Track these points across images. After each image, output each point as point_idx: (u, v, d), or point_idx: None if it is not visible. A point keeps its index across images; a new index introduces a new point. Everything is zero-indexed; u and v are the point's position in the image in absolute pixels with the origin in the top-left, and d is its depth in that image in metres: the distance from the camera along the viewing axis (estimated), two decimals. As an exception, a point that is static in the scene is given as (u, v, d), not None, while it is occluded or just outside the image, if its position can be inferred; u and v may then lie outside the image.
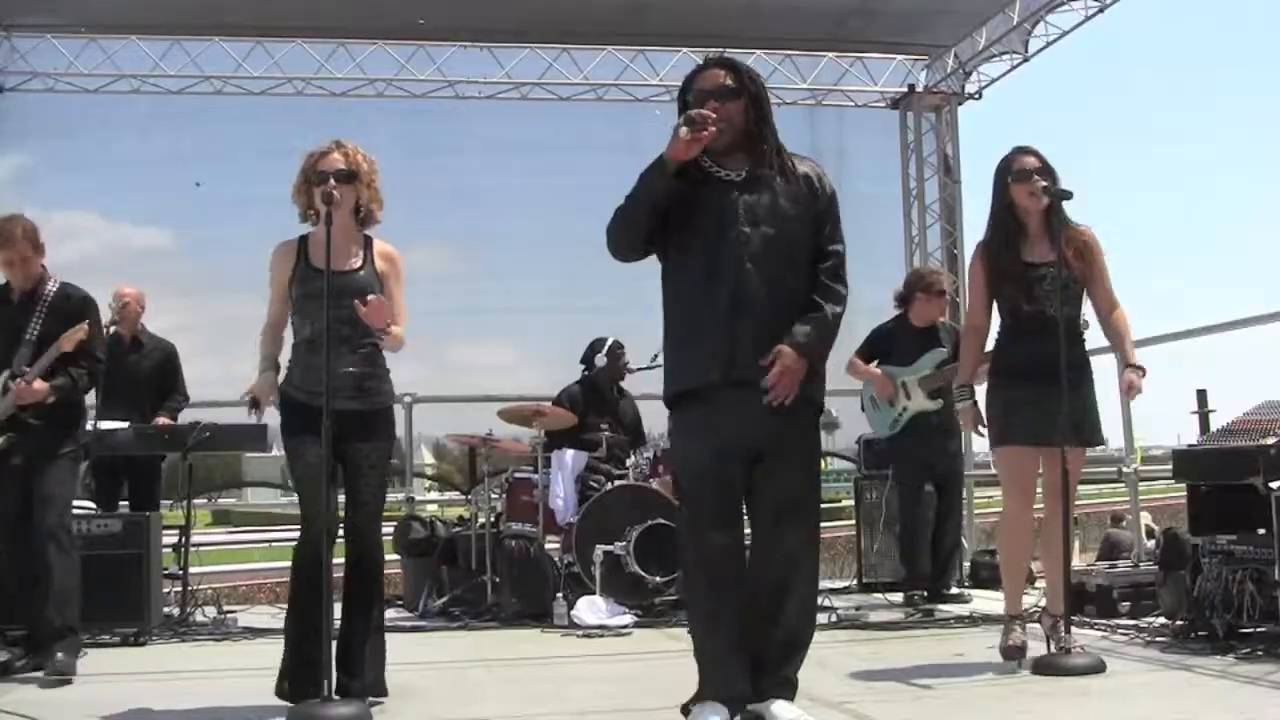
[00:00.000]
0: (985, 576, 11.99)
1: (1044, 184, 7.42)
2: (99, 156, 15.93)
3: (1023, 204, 7.53)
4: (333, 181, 6.46)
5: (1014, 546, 7.85)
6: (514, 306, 18.13)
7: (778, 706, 5.65)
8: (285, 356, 6.80)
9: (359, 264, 6.71)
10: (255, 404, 6.82)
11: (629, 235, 5.79)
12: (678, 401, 5.90)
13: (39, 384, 7.84)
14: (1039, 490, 7.68)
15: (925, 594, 10.84)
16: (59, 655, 7.64)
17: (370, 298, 6.45)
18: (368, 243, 6.81)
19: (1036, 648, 7.48)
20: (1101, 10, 13.72)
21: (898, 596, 11.09)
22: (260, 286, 6.95)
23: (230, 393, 12.35)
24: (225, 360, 16.26)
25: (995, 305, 7.76)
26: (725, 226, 5.68)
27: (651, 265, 5.97)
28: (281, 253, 6.78)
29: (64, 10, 14.42)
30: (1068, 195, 7.43)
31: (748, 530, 5.94)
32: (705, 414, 5.73)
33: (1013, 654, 7.48)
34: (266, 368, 6.78)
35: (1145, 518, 16.60)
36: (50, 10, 14.40)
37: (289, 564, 6.62)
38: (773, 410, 5.62)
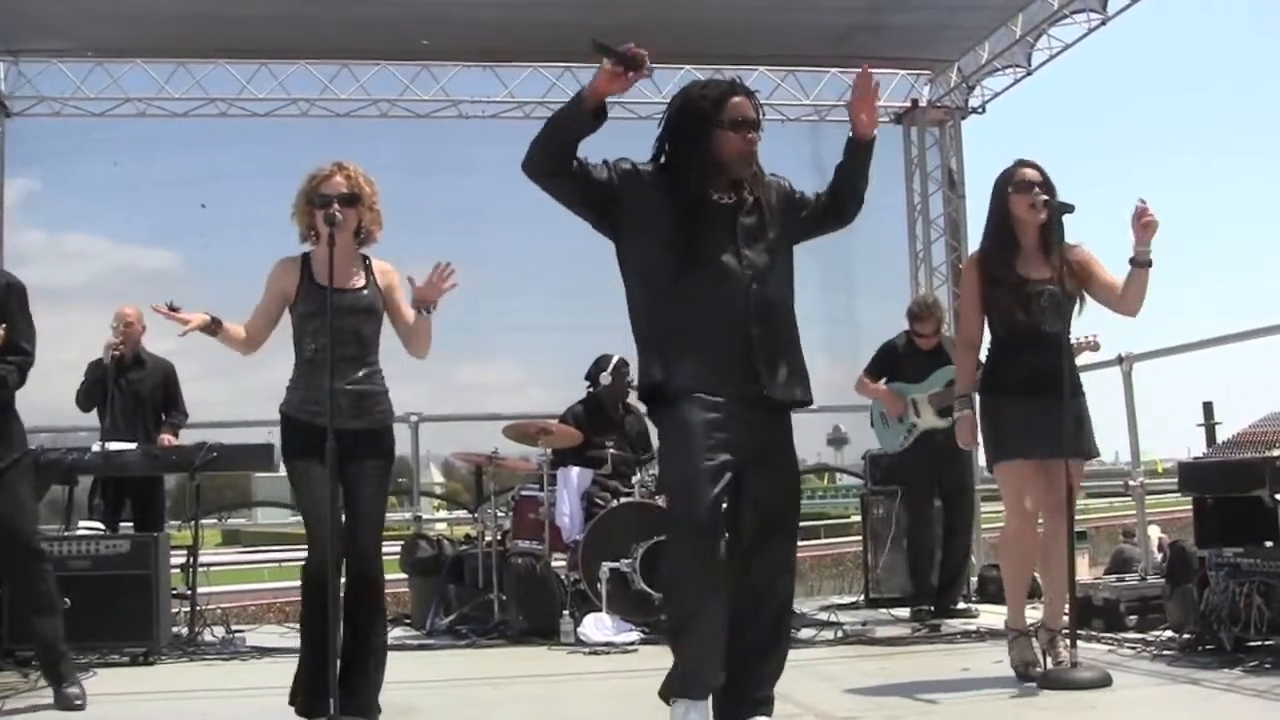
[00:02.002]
0: (993, 591, 11.96)
1: (1044, 197, 7.40)
2: (106, 180, 15.97)
3: (1021, 216, 7.51)
4: (336, 205, 6.49)
5: (1017, 561, 7.81)
6: (519, 325, 18.21)
7: None
8: (283, 376, 6.82)
9: (362, 283, 6.75)
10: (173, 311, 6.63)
11: (545, 162, 5.67)
12: (675, 400, 5.72)
13: None
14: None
15: (932, 609, 10.85)
16: (67, 689, 7.48)
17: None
18: (367, 262, 6.86)
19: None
20: (1104, 23, 13.69)
21: (905, 612, 11.12)
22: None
23: (236, 414, 12.49)
24: (231, 382, 16.33)
25: (986, 320, 7.75)
26: (727, 248, 5.71)
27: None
28: (284, 266, 6.80)
29: (70, 35, 14.44)
30: (1070, 209, 7.39)
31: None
32: (714, 421, 5.60)
33: (1028, 670, 7.47)
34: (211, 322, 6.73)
35: (1155, 531, 16.58)
36: (57, 35, 14.43)
37: (298, 583, 6.64)
38: (767, 422, 5.70)
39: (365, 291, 6.75)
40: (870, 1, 14.32)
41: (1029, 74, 15.23)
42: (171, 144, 15.72)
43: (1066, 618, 7.35)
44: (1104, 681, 7.09)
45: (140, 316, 11.34)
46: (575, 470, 11.18)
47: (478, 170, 16.34)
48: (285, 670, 6.66)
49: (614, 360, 11.78)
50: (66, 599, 8.02)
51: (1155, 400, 12.33)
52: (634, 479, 11.21)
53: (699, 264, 5.70)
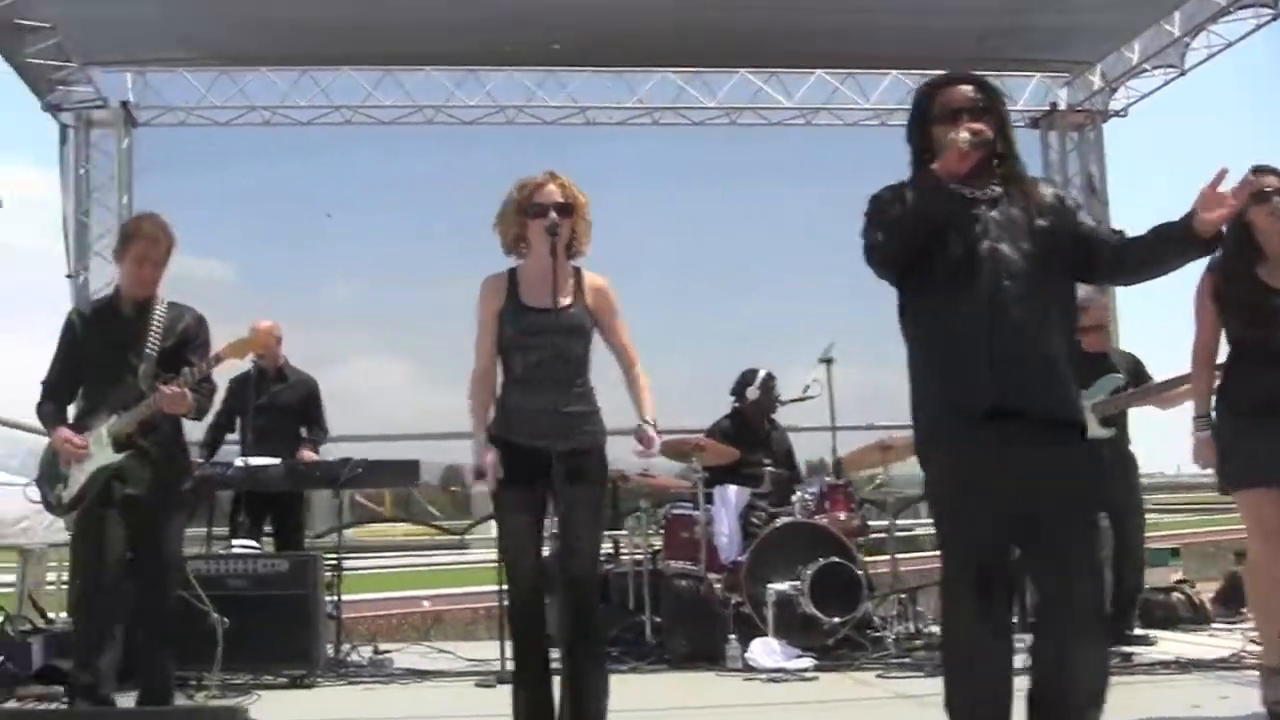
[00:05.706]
0: (1159, 616, 11.57)
1: (1287, 202, 6.98)
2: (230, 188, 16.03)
3: (1261, 225, 7.05)
4: (554, 215, 6.23)
5: (1264, 593, 7.30)
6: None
7: None
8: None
9: (570, 301, 6.42)
10: (480, 476, 6.45)
11: (901, 254, 5.27)
12: (932, 447, 5.34)
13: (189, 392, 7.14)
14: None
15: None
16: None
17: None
18: (577, 276, 6.54)
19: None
20: (1275, 19, 13.23)
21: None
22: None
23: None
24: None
25: (1225, 333, 7.28)
26: (976, 243, 5.19)
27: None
28: (490, 288, 6.50)
29: (195, 44, 14.37)
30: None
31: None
32: (968, 465, 5.12)
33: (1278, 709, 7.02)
34: (485, 439, 6.42)
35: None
36: (181, 44, 14.35)
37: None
38: (1047, 455, 5.05)
39: (573, 310, 6.43)
40: (1004, 4, 14.09)
41: (1182, 74, 14.81)
42: (293, 152, 15.83)
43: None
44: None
45: (278, 329, 11.13)
46: (733, 489, 10.82)
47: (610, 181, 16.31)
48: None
49: (761, 374, 11.55)
50: (225, 618, 8.16)
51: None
52: (793, 497, 10.89)
53: (943, 266, 5.22)
